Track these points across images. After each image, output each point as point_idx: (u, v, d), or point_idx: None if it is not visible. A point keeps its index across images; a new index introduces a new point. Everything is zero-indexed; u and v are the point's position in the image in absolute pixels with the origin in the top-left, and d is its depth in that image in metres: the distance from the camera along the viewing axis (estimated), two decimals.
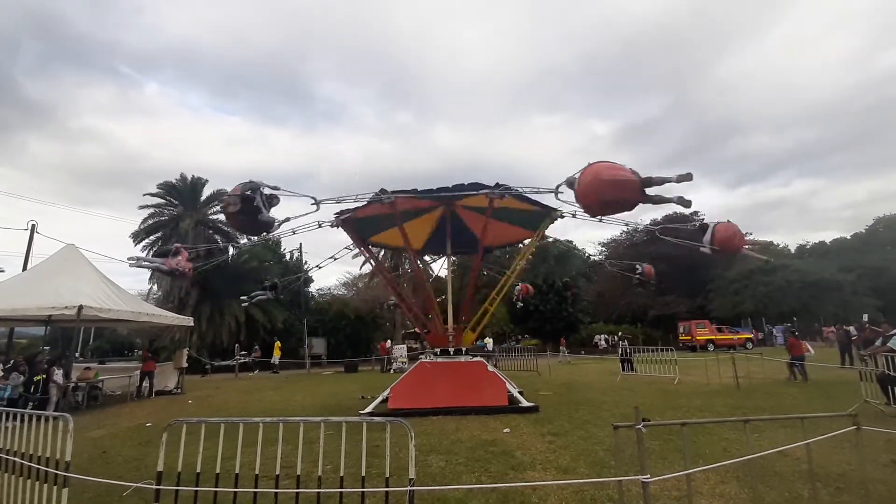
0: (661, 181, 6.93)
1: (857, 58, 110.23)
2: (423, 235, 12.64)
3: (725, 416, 8.16)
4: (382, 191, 9.62)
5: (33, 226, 20.23)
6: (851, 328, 16.85)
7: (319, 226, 10.54)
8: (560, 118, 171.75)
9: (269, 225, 8.38)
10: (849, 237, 53.92)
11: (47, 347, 18.59)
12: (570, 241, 44.29)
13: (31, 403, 10.04)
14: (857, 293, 37.33)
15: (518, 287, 16.50)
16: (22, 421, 4.24)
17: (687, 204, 7.15)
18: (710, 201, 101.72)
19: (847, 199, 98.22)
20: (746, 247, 8.36)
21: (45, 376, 11.04)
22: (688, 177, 6.72)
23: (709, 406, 9.55)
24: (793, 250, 52.87)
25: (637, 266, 14.04)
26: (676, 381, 13.62)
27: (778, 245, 52.24)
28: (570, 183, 7.40)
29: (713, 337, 30.96)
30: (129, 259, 9.46)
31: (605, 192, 6.91)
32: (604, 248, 50.34)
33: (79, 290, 11.82)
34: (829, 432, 4.17)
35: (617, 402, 10.10)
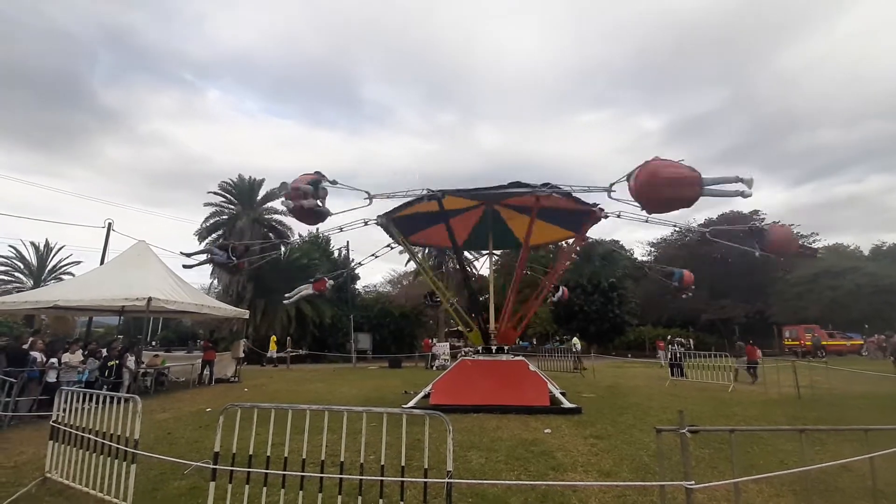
0: (720, 181, 7.04)
1: None
2: (462, 233, 12.70)
3: (782, 427, 7.70)
4: (429, 190, 9.81)
5: (109, 224, 22.04)
6: None
7: (366, 223, 10.89)
8: (608, 114, 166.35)
9: (324, 216, 8.89)
10: None
11: (121, 336, 20.20)
12: (617, 241, 43.03)
13: (105, 386, 10.97)
14: None
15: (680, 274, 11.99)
16: (96, 402, 4.68)
17: (748, 195, 7.04)
18: (772, 199, 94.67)
19: None
20: (799, 251, 8.22)
21: (118, 362, 12.03)
22: (749, 182, 6.90)
23: (765, 416, 9.03)
24: (866, 252, 48.67)
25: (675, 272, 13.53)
26: (731, 389, 12.96)
27: (848, 247, 48.23)
28: (629, 177, 7.39)
29: (824, 342, 28.91)
30: (184, 265, 10.34)
31: (663, 189, 6.84)
32: (653, 249, 48.54)
33: (148, 284, 12.76)
34: None
35: (664, 408, 9.75)
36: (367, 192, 9.55)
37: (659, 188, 6.88)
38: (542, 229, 11.87)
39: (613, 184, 8.29)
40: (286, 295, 12.75)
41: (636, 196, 7.29)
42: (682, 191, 6.83)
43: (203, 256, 10.33)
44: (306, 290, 12.55)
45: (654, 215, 8.42)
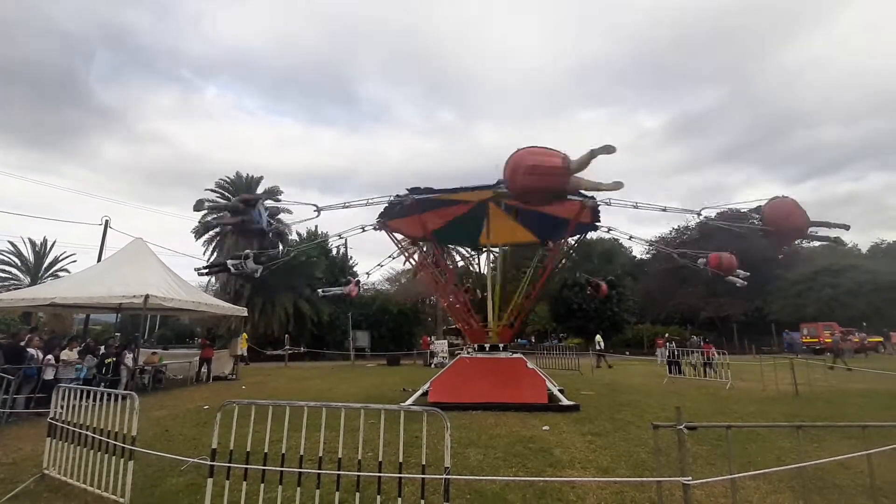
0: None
1: None
2: (517, 229, 12.44)
3: (780, 424, 7.71)
4: (414, 190, 9.78)
5: (107, 221, 21.99)
6: None
7: (363, 230, 10.98)
8: (606, 112, 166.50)
9: (263, 233, 9.30)
10: None
11: (118, 334, 20.19)
12: (616, 239, 43.06)
13: (103, 384, 10.94)
14: None
15: (704, 259, 11.42)
16: (94, 399, 4.67)
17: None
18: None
19: None
20: (812, 229, 7.82)
21: (115, 359, 12.01)
22: None
23: (763, 413, 9.05)
24: (864, 250, 48.79)
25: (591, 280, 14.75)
26: (729, 387, 12.99)
27: (847, 244, 48.28)
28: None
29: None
30: (196, 269, 10.35)
31: (527, 178, 6.30)
32: (652, 247, 48.53)
33: (146, 281, 12.69)
34: (895, 443, 3.88)
35: (662, 406, 9.77)
36: (314, 204, 9.70)
37: (522, 177, 6.37)
38: (514, 230, 11.84)
39: (704, 208, 8.94)
40: (321, 291, 14.18)
41: (507, 184, 6.87)
42: (547, 181, 6.29)
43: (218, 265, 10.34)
44: (339, 291, 13.54)
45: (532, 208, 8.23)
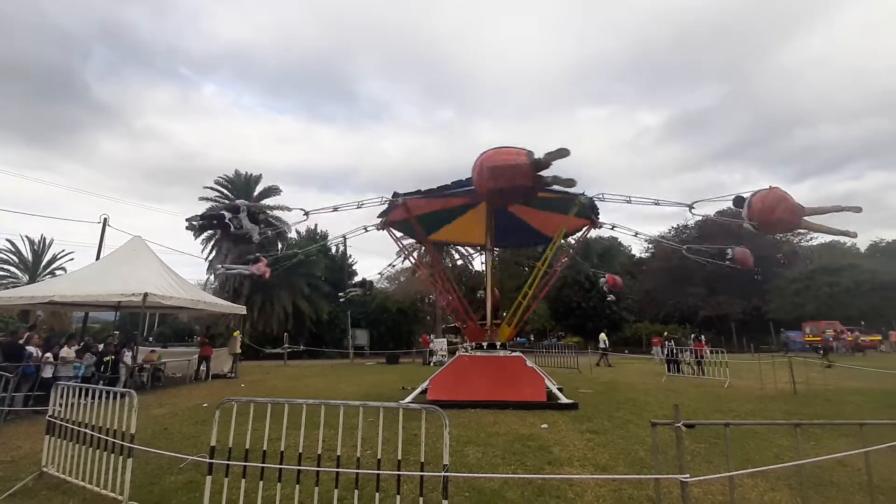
0: (825, 211, 7.83)
1: None
2: (479, 229, 12.57)
3: (778, 422, 7.73)
4: (395, 194, 10.09)
5: (105, 219, 21.91)
6: None
7: (366, 230, 11.06)
8: (607, 111, 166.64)
9: (249, 237, 9.20)
10: None
11: (117, 332, 20.17)
12: (615, 238, 43.11)
13: (101, 381, 10.93)
14: None
15: (604, 279, 16.08)
16: (93, 397, 4.67)
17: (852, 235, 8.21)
18: None
19: None
20: (806, 217, 7.76)
21: (114, 357, 11.99)
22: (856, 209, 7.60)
23: (761, 411, 9.07)
24: (863, 249, 48.80)
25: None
26: (727, 385, 13.01)
27: (845, 244, 48.34)
28: (737, 202, 8.12)
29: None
30: (214, 269, 9.82)
31: (777, 214, 7.61)
32: (650, 246, 48.66)
33: (144, 279, 12.65)
34: (892, 441, 3.89)
35: (661, 404, 9.78)
36: (302, 208, 9.91)
37: (781, 211, 7.59)
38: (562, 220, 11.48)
39: (695, 202, 9.21)
40: (219, 265, 12.63)
41: (755, 215, 7.87)
42: (789, 215, 7.61)
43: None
44: (244, 269, 11.84)
45: (764, 233, 8.96)
